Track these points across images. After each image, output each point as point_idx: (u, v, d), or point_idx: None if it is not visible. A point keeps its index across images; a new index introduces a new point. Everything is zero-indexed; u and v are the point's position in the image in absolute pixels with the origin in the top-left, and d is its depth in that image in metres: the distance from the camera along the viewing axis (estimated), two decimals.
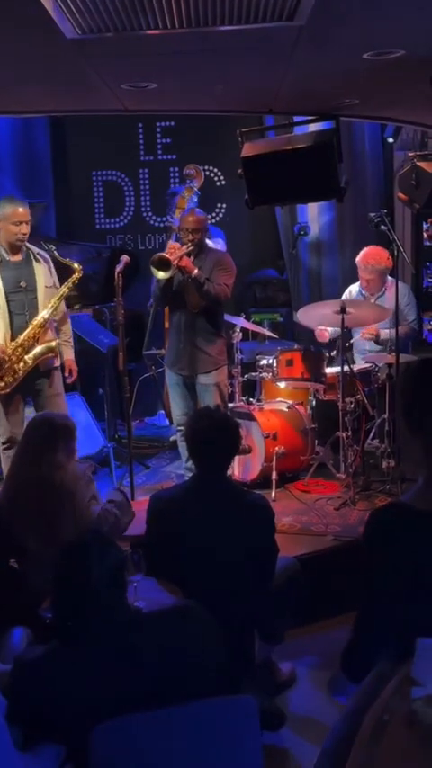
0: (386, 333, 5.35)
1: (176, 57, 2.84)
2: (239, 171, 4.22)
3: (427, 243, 6.77)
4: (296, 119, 4.75)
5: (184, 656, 2.23)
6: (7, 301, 4.58)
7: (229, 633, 2.74)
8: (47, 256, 4.81)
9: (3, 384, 4.60)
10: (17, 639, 2.71)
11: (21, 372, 4.62)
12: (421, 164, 5.34)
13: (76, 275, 4.85)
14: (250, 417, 5.24)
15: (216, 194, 7.54)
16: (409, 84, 3.31)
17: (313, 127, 4.84)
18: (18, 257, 4.67)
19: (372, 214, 5.18)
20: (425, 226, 6.64)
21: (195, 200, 6.25)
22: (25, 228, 4.58)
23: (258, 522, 3.18)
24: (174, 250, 4.72)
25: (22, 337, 4.60)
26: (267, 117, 6.14)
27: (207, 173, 7.47)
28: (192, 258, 4.81)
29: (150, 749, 2.06)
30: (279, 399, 5.57)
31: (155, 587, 3.10)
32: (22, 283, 4.63)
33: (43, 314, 4.65)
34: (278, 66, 3.04)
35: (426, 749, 1.35)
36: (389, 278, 5.54)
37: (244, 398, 5.59)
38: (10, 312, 4.60)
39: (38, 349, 4.66)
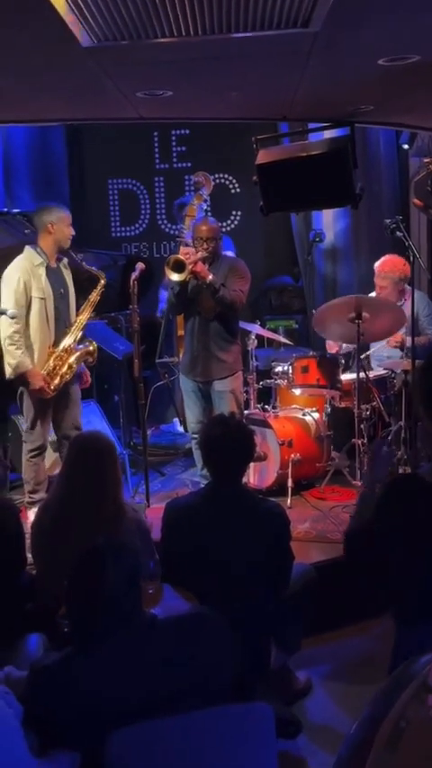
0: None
1: (191, 64, 2.85)
2: (254, 178, 4.21)
3: None
4: (311, 125, 4.75)
5: (200, 663, 2.22)
6: (54, 308, 4.66)
7: (244, 640, 2.73)
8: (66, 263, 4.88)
9: (52, 387, 4.66)
10: (34, 646, 2.72)
11: (68, 376, 4.71)
12: None
13: (103, 282, 4.91)
14: (265, 424, 5.23)
15: (231, 202, 7.56)
16: (425, 89, 3.31)
17: (328, 133, 4.85)
18: (55, 264, 4.74)
19: (387, 220, 5.17)
20: None
21: (204, 207, 6.26)
22: (72, 230, 4.72)
23: (274, 529, 3.17)
24: (188, 254, 4.72)
25: (66, 342, 4.70)
26: (282, 124, 6.15)
27: (222, 180, 7.49)
28: (207, 265, 4.81)
29: (166, 756, 2.06)
30: (294, 406, 5.56)
31: (171, 594, 3.10)
32: (62, 290, 4.73)
33: (80, 318, 4.78)
34: (293, 73, 3.04)
35: None
36: (407, 287, 5.51)
37: (259, 405, 5.58)
38: (55, 319, 4.68)
39: (79, 353, 4.77)
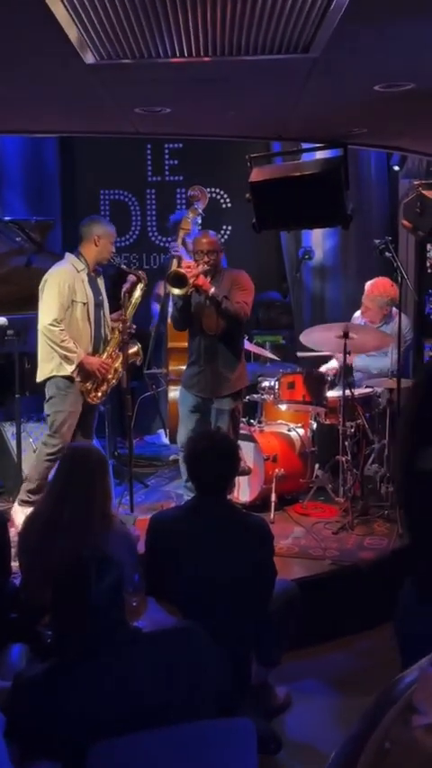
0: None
1: (192, 84, 2.89)
2: (247, 195, 4.25)
3: (431, 270, 6.83)
4: (304, 145, 4.80)
5: (184, 677, 2.23)
6: (94, 313, 4.83)
7: (226, 655, 2.75)
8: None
9: (100, 394, 4.85)
10: (16, 656, 2.72)
11: (114, 381, 4.89)
12: (426, 192, 5.41)
13: (143, 284, 5.03)
14: (251, 439, 5.25)
15: (221, 216, 7.59)
16: (418, 115, 3.37)
17: (320, 154, 4.90)
18: (93, 273, 4.88)
19: (377, 241, 5.23)
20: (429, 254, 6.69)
21: (199, 221, 6.30)
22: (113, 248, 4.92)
23: (258, 544, 3.19)
24: (190, 268, 4.67)
25: (110, 348, 4.90)
26: (274, 142, 6.21)
27: (213, 195, 7.53)
28: (208, 278, 4.74)
29: None
30: (280, 422, 5.59)
31: (154, 607, 3.11)
32: (100, 297, 4.88)
33: (126, 323, 4.91)
34: (290, 96, 3.09)
35: None
36: (394, 309, 5.57)
37: (245, 420, 5.60)
38: (95, 324, 4.85)
39: (129, 352, 4.97)
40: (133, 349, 5.09)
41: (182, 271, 4.66)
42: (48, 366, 4.74)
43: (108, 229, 4.88)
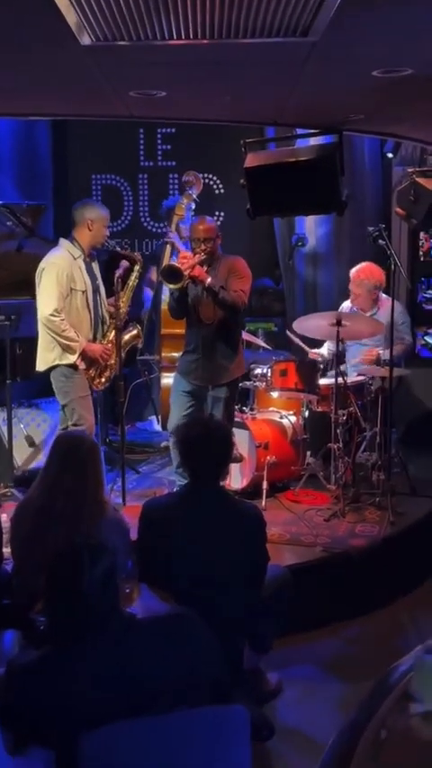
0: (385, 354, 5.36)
1: (188, 67, 2.86)
2: (242, 181, 4.23)
3: (423, 258, 6.83)
4: (299, 131, 4.78)
5: (178, 664, 2.23)
6: (92, 299, 4.80)
7: (220, 641, 2.75)
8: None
9: (104, 380, 4.88)
10: (9, 642, 2.71)
11: (114, 366, 4.89)
12: (420, 180, 5.39)
13: (138, 267, 5.00)
14: (243, 426, 5.25)
15: (214, 202, 7.55)
16: (416, 102, 3.35)
17: (314, 140, 4.88)
18: (88, 259, 4.85)
19: (370, 228, 5.22)
20: (423, 243, 6.69)
21: (193, 207, 6.26)
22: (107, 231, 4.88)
23: (251, 530, 3.19)
24: (185, 259, 4.58)
25: (110, 334, 4.87)
26: (268, 128, 6.17)
27: (206, 180, 7.49)
28: (205, 267, 4.65)
29: (140, 757, 2.06)
30: (272, 409, 5.58)
31: (147, 594, 3.11)
32: (97, 282, 4.85)
33: (123, 308, 4.89)
34: (288, 81, 3.06)
35: (424, 765, 1.35)
36: (383, 295, 5.58)
37: (237, 407, 5.59)
38: (93, 311, 4.82)
39: (125, 338, 4.98)
40: (133, 332, 5.07)
41: (176, 265, 4.57)
42: (50, 355, 4.70)
43: (101, 212, 4.84)
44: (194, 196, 6.13)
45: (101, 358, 4.79)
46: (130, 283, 4.98)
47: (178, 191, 7.29)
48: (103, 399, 5.81)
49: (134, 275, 4.99)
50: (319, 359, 5.60)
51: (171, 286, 4.62)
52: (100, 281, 4.93)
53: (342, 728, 1.51)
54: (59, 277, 4.60)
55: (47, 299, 4.60)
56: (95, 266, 4.93)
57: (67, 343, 4.63)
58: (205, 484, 3.18)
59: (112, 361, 4.90)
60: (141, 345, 5.21)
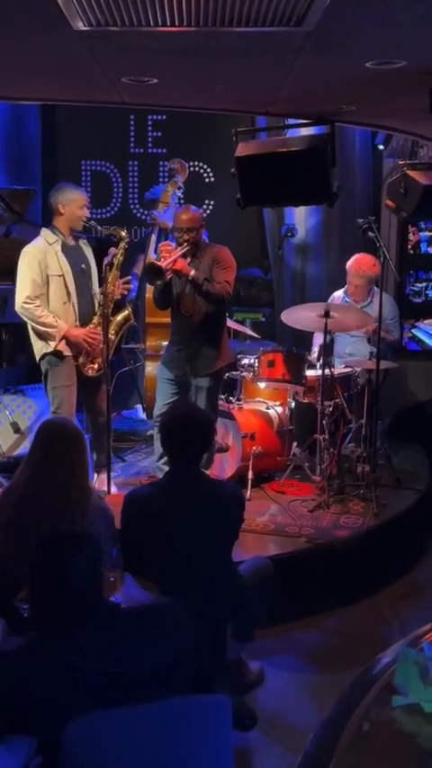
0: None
1: (181, 55, 2.84)
2: (232, 170, 4.21)
3: (412, 251, 6.85)
4: (290, 121, 4.76)
5: (161, 653, 2.23)
6: (75, 283, 4.74)
7: (203, 630, 2.76)
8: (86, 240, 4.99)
9: (96, 366, 4.80)
10: None
11: (111, 351, 4.83)
12: (410, 172, 5.37)
13: (124, 244, 4.89)
14: (229, 416, 5.25)
15: (204, 191, 7.53)
16: (408, 95, 3.34)
17: (305, 130, 4.86)
18: (73, 242, 4.81)
19: (360, 220, 5.21)
20: (411, 236, 6.70)
21: (179, 194, 6.22)
22: (87, 212, 4.79)
23: (233, 511, 3.24)
24: (167, 253, 4.53)
25: (97, 318, 4.79)
26: (259, 117, 6.15)
27: (196, 169, 7.47)
28: (188, 259, 4.62)
29: (123, 745, 2.07)
30: (259, 399, 5.59)
31: (130, 583, 3.11)
32: (83, 266, 4.78)
33: (108, 289, 4.77)
34: (280, 70, 3.04)
35: (406, 757, 1.36)
36: (375, 288, 5.59)
37: (223, 397, 5.59)
38: (77, 294, 4.76)
39: (118, 318, 4.94)
40: (124, 313, 5.00)
41: (156, 263, 4.52)
42: (38, 345, 4.72)
43: (71, 195, 4.76)
44: (180, 183, 6.10)
45: (84, 342, 4.71)
46: (115, 261, 4.86)
47: (167, 178, 7.26)
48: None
49: (120, 252, 4.87)
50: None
51: (156, 283, 4.63)
52: (89, 265, 4.86)
53: (325, 720, 1.52)
54: (31, 263, 4.61)
55: (20, 287, 4.63)
56: (85, 249, 4.87)
57: (44, 329, 4.63)
58: (184, 466, 3.19)
59: (103, 346, 4.80)
60: (134, 322, 5.11)
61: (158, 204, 6.18)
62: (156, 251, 5.44)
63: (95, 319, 4.81)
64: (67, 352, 4.70)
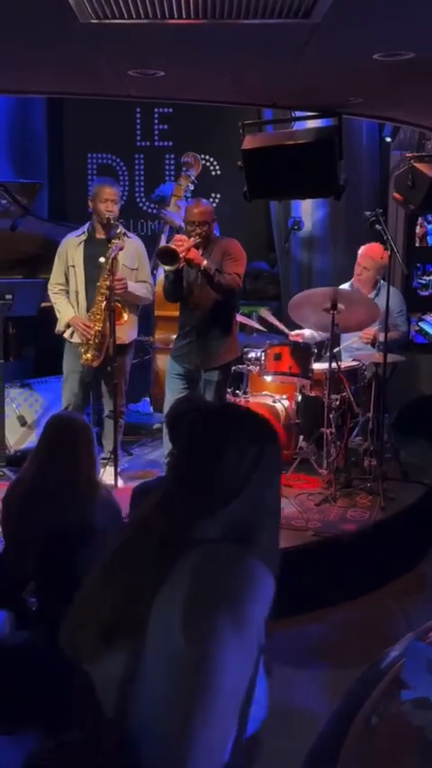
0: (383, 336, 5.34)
1: (188, 47, 2.83)
2: (239, 163, 4.19)
3: (419, 244, 6.82)
4: (298, 114, 4.74)
5: None
6: (85, 275, 4.93)
7: None
8: (135, 239, 5.13)
9: (89, 356, 4.92)
10: (0, 622, 2.71)
11: (106, 345, 4.89)
12: (418, 165, 5.36)
13: (120, 239, 4.85)
14: None
15: (211, 184, 7.51)
16: (416, 86, 3.33)
17: (312, 123, 4.84)
18: (104, 235, 4.95)
19: (367, 213, 5.20)
20: (419, 229, 6.68)
21: (192, 188, 6.20)
22: (111, 206, 4.90)
23: None
24: (180, 242, 4.56)
25: (95, 309, 4.89)
26: (266, 110, 6.13)
27: (203, 161, 7.44)
28: (200, 250, 4.65)
29: None
30: (265, 393, 5.58)
31: None
32: (101, 259, 4.83)
33: (105, 283, 4.82)
34: (287, 62, 3.03)
35: (415, 751, 1.36)
36: (382, 282, 5.56)
37: (230, 390, 5.58)
38: (86, 286, 4.94)
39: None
40: (123, 317, 4.99)
41: (171, 246, 4.55)
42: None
43: (95, 189, 4.99)
44: (193, 177, 6.07)
45: (79, 330, 4.91)
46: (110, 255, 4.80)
47: (175, 172, 7.25)
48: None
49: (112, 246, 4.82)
50: (301, 340, 5.59)
51: (167, 267, 4.60)
52: (109, 261, 4.78)
53: (333, 714, 1.52)
54: (58, 254, 5.04)
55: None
56: (116, 242, 4.81)
57: (57, 315, 5.04)
58: None
59: (95, 339, 4.89)
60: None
61: (171, 199, 6.16)
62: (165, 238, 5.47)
63: (93, 311, 4.89)
64: (70, 338, 4.99)
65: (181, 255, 4.49)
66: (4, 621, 2.71)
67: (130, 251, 4.96)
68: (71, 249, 4.97)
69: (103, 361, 4.95)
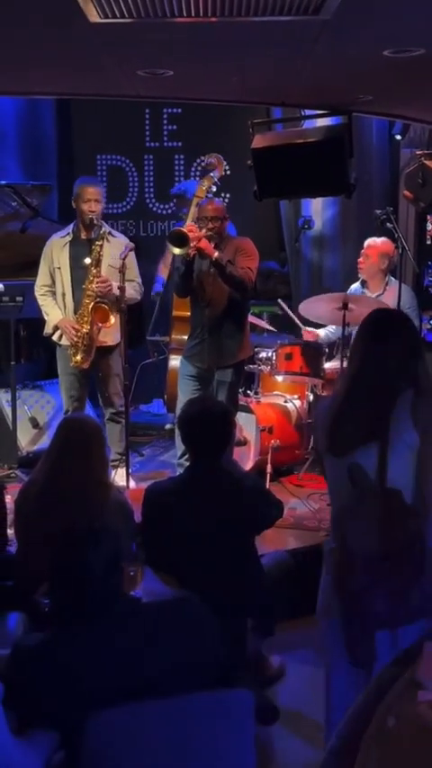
0: None
1: (196, 46, 2.82)
2: (249, 162, 4.18)
3: (430, 242, 6.78)
4: (307, 112, 4.72)
5: (183, 648, 2.23)
6: (71, 277, 4.87)
7: (223, 624, 2.75)
8: (121, 238, 5.04)
9: (79, 358, 4.86)
10: (13, 624, 2.71)
11: (92, 347, 4.86)
12: (428, 162, 5.35)
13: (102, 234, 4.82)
14: (247, 410, 5.23)
15: (220, 184, 7.49)
16: (427, 83, 3.31)
17: (321, 121, 4.83)
18: (89, 236, 4.87)
19: (378, 211, 5.18)
20: (429, 226, 6.63)
21: (214, 189, 6.17)
22: (94, 206, 4.83)
23: (254, 505, 3.22)
24: (193, 231, 4.50)
25: (82, 311, 4.83)
26: (275, 108, 6.11)
27: None
28: (212, 244, 4.57)
29: (144, 740, 2.06)
30: (277, 393, 5.57)
31: (150, 577, 3.11)
32: (86, 260, 4.81)
33: (92, 286, 4.79)
34: (297, 60, 3.02)
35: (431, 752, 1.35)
36: (392, 279, 5.52)
37: (241, 390, 5.56)
38: (73, 287, 4.88)
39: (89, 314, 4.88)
40: (111, 320, 4.84)
41: (183, 230, 4.51)
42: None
43: (78, 189, 4.89)
44: (216, 179, 6.04)
45: (67, 331, 4.84)
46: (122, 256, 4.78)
47: (191, 177, 7.24)
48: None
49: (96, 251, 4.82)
50: (313, 339, 5.56)
51: (176, 251, 4.53)
52: (93, 260, 4.79)
53: (349, 715, 1.50)
54: (44, 255, 4.97)
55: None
56: (105, 245, 4.81)
57: (45, 317, 4.96)
58: (207, 464, 3.17)
59: (81, 341, 4.83)
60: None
61: (192, 200, 6.12)
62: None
63: (81, 312, 4.83)
64: (59, 341, 4.92)
65: (192, 243, 4.43)
66: (17, 623, 2.71)
67: (115, 250, 4.87)
68: (56, 250, 4.90)
69: (92, 365, 4.92)
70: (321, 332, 5.65)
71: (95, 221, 4.79)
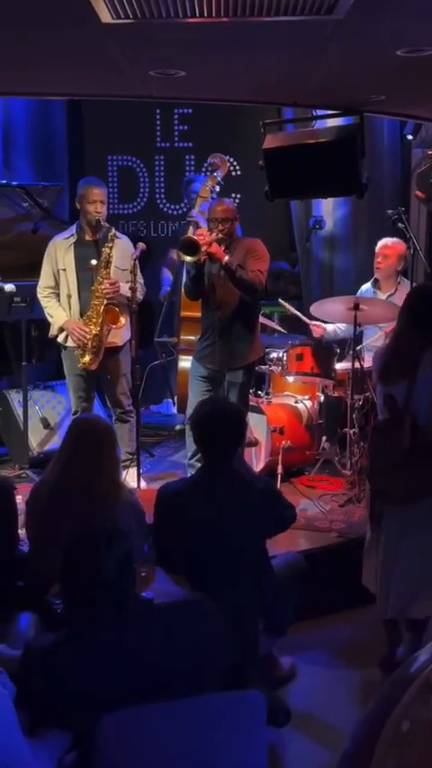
0: None
1: (209, 46, 2.82)
2: (260, 162, 4.17)
3: None
4: (319, 112, 4.70)
5: (194, 649, 2.23)
6: (77, 278, 4.84)
7: (235, 625, 2.75)
8: (125, 240, 4.99)
9: (87, 359, 4.82)
10: (25, 625, 2.71)
11: (101, 348, 4.83)
12: None
13: (112, 234, 4.80)
14: (258, 410, 5.22)
15: (231, 184, 7.47)
16: None
17: (333, 121, 4.81)
18: (94, 237, 4.87)
19: (389, 211, 5.16)
20: None
21: (218, 189, 6.18)
22: (99, 207, 4.80)
23: (266, 506, 3.21)
24: (202, 236, 4.49)
25: (90, 313, 4.81)
26: (286, 108, 6.10)
27: None
28: (222, 247, 4.57)
29: (156, 740, 2.06)
30: (287, 393, 5.56)
31: (162, 578, 3.11)
32: (93, 261, 4.80)
33: (95, 286, 4.78)
34: (309, 60, 3.01)
35: None
36: (404, 279, 5.50)
37: (252, 391, 5.55)
38: (79, 288, 4.85)
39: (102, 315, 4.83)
40: (121, 321, 4.87)
41: (194, 237, 4.50)
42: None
43: (82, 191, 4.87)
44: (219, 179, 6.04)
45: (74, 334, 4.79)
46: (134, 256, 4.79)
47: (202, 172, 7.22)
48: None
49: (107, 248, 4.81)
50: (319, 334, 5.53)
51: (188, 258, 4.52)
52: (101, 263, 4.78)
53: (363, 719, 1.49)
54: (47, 256, 4.91)
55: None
56: (110, 245, 4.79)
57: (49, 319, 4.90)
58: (219, 465, 3.17)
59: (92, 343, 4.79)
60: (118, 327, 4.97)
61: (197, 200, 6.13)
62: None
63: (89, 314, 4.80)
64: (65, 342, 4.87)
65: (203, 248, 4.42)
66: (29, 623, 2.72)
67: (121, 252, 4.87)
68: (61, 251, 4.85)
69: (100, 366, 4.88)
70: (329, 326, 5.62)
71: (102, 222, 4.78)
